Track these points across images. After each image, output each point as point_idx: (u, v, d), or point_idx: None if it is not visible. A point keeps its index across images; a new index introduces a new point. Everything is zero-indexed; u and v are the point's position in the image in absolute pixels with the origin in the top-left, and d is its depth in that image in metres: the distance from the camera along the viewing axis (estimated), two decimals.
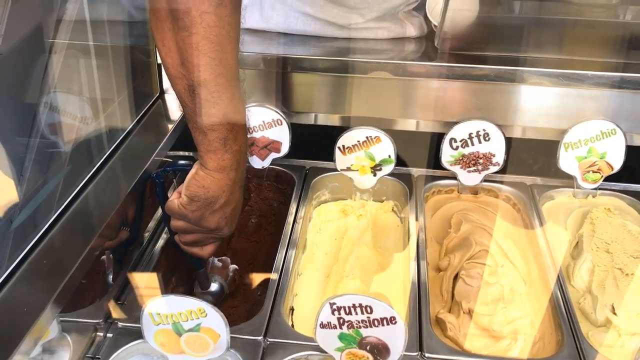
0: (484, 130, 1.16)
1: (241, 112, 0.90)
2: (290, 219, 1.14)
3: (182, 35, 0.83)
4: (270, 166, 1.23)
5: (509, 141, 1.19)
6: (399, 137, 1.23)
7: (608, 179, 1.21)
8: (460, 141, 1.18)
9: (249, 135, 1.19)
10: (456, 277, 1.00)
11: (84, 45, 1.30)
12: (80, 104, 1.24)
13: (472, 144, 1.18)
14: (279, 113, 1.18)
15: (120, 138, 1.13)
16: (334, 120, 1.27)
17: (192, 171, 0.91)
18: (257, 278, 1.12)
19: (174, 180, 1.00)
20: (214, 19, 0.83)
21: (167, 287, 1.11)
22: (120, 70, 1.23)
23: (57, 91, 1.25)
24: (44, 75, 1.28)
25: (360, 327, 0.79)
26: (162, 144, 1.15)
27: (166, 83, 1.23)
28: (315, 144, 1.28)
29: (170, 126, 1.19)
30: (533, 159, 1.33)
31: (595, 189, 1.20)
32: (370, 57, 1.19)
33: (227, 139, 0.88)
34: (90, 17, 1.40)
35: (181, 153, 1.30)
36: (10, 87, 1.09)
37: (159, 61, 1.19)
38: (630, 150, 1.19)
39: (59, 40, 1.27)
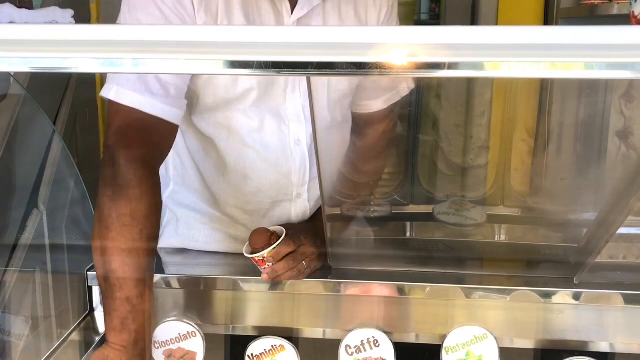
0: (373, 337, 1.32)
1: (144, 297, 1.15)
2: None
3: (103, 233, 1.12)
4: None
5: (402, 346, 1.35)
6: (307, 344, 1.38)
7: None
8: (354, 347, 1.33)
9: (166, 348, 1.33)
10: None
11: (30, 272, 1.49)
12: (18, 323, 1.40)
13: (365, 350, 1.33)
14: (193, 326, 1.34)
15: (51, 351, 1.28)
16: (246, 330, 1.43)
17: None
18: None
19: None
20: (128, 219, 1.12)
21: None
22: (55, 291, 1.41)
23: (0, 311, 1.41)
24: None
25: None
26: (87, 354, 1.29)
27: (95, 301, 1.39)
28: (230, 351, 1.42)
29: (97, 338, 1.34)
30: None
31: None
32: None
33: (126, 318, 1.12)
34: (36, 242, 1.61)
35: None
36: None
37: (90, 284, 1.37)
38: (510, 351, 1.35)
39: (11, 268, 1.46)
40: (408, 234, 1.47)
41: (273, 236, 1.33)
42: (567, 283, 1.35)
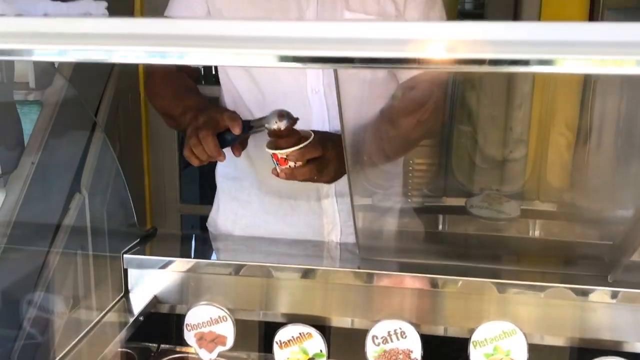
0: (400, 328, 1.33)
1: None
2: None
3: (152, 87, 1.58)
4: (217, 358, 1.38)
5: (430, 338, 1.34)
6: (335, 333, 1.40)
7: None
8: (381, 338, 1.34)
9: (197, 330, 1.37)
10: None
11: (71, 253, 1.54)
12: (59, 301, 1.46)
13: (392, 341, 1.33)
14: (224, 310, 1.37)
15: (87, 329, 1.33)
16: (276, 316, 1.45)
17: None
18: None
19: None
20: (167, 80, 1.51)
21: None
22: (95, 273, 1.46)
23: (43, 290, 1.48)
24: (38, 277, 1.53)
25: None
26: (121, 333, 1.35)
27: (130, 283, 1.44)
28: (259, 336, 1.45)
29: (131, 319, 1.39)
30: (456, 354, 1.47)
31: None
32: (305, 264, 1.41)
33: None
34: (76, 224, 1.67)
35: (144, 344, 1.46)
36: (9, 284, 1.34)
37: (125, 266, 1.41)
38: (540, 349, 1.34)
39: (53, 249, 1.52)
40: (440, 227, 1.47)
41: (302, 138, 1.25)
42: (600, 281, 1.33)
